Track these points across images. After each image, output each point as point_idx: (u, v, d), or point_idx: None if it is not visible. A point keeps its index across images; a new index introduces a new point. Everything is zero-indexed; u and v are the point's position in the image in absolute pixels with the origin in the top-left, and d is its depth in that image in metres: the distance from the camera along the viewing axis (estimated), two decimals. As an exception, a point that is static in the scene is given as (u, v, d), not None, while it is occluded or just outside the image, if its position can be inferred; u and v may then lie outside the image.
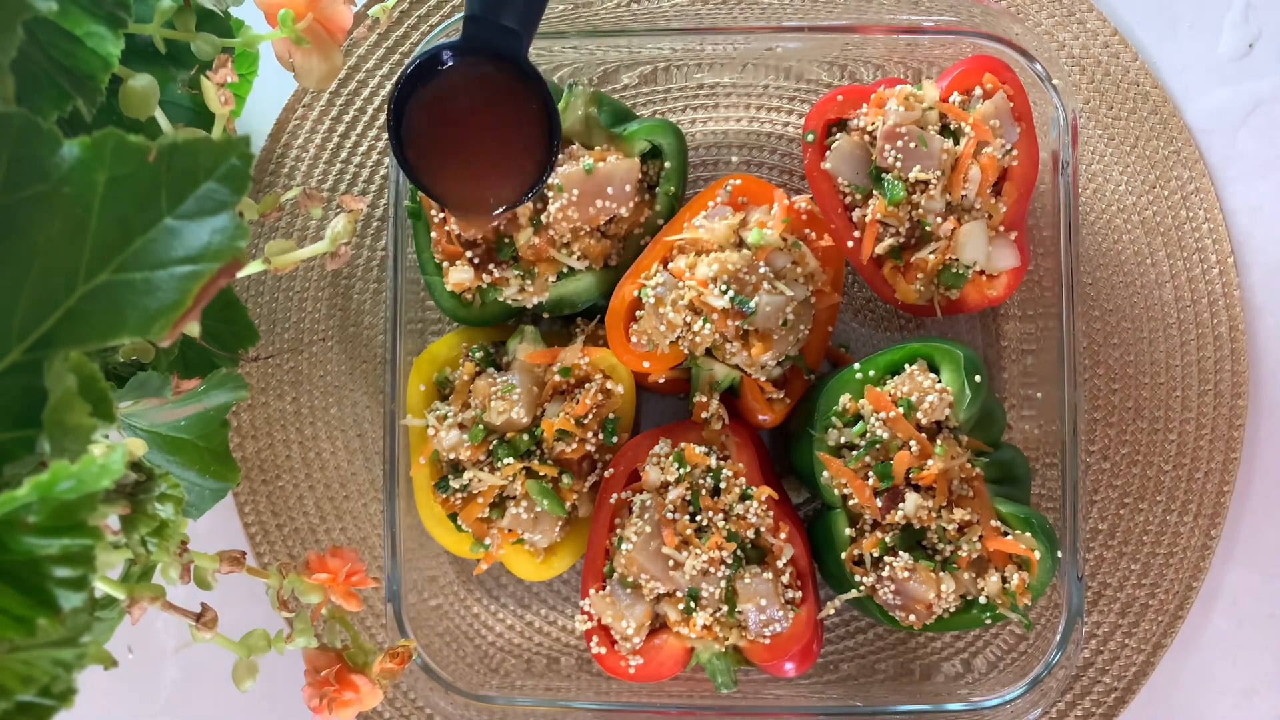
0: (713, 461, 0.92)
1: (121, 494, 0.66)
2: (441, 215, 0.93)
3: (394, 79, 0.75)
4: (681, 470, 0.92)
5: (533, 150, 0.79)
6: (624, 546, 0.91)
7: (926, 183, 0.92)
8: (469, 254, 0.94)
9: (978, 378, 0.90)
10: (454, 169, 0.79)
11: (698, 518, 0.91)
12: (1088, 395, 1.04)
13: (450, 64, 0.75)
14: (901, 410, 0.90)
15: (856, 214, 0.96)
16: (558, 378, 0.94)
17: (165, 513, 0.67)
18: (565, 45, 0.98)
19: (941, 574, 0.89)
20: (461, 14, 0.95)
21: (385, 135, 1.06)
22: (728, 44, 1.00)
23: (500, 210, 0.80)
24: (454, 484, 0.95)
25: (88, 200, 0.55)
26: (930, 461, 0.89)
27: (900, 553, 0.90)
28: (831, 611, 0.94)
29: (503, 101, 0.77)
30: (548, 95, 0.77)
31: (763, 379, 0.94)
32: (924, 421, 0.90)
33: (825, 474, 0.92)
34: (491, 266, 0.94)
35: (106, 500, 0.64)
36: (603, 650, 0.94)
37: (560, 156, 0.92)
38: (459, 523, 0.96)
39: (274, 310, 1.07)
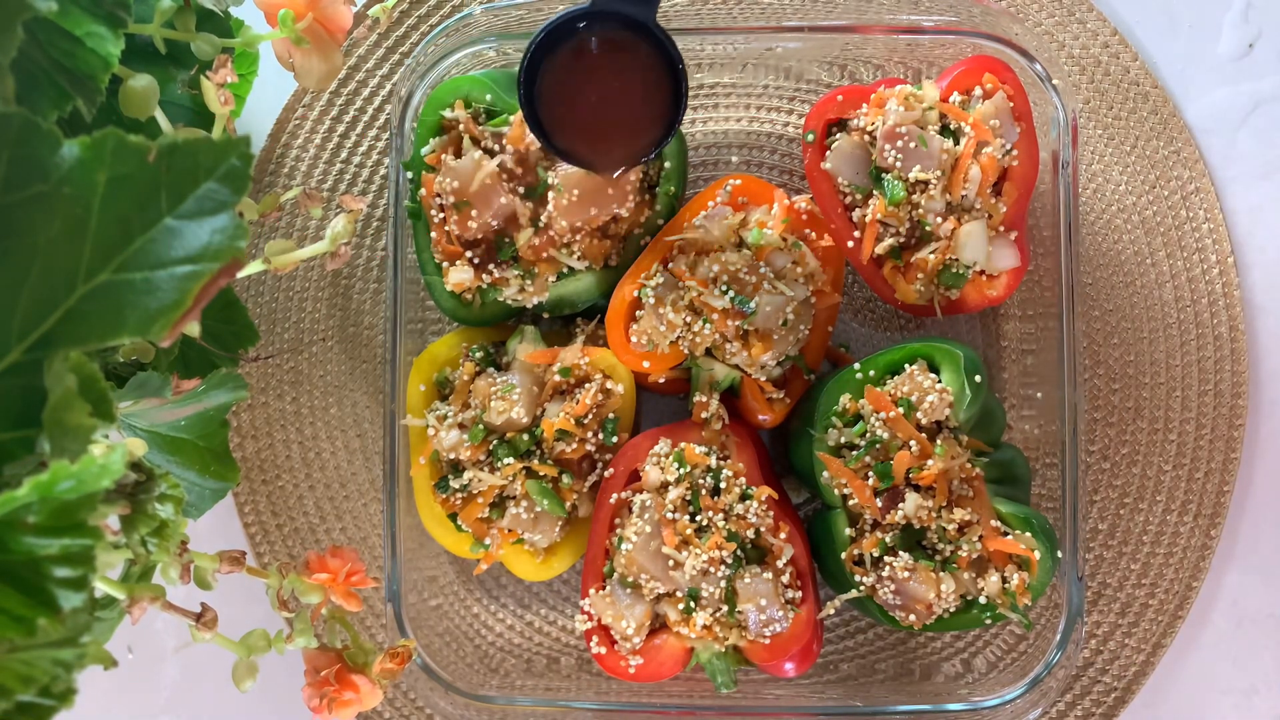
0: (713, 461, 0.92)
1: (121, 494, 0.66)
2: (441, 215, 0.93)
3: (528, 44, 0.79)
4: (681, 470, 0.92)
5: (659, 108, 0.81)
6: (624, 546, 0.91)
7: (926, 183, 0.92)
8: (469, 254, 0.94)
9: (978, 378, 0.90)
10: (582, 129, 0.82)
11: (698, 518, 0.91)
12: (1088, 395, 1.04)
13: (580, 28, 0.79)
14: (901, 410, 0.90)
15: (856, 214, 0.96)
16: (558, 378, 0.94)
17: (165, 513, 0.67)
18: (565, 45, 0.98)
19: (941, 574, 0.89)
20: (462, 14, 0.96)
21: (385, 135, 1.06)
22: (728, 44, 1.00)
23: (626, 168, 0.85)
24: (454, 484, 0.95)
25: (88, 200, 0.55)
26: (930, 461, 0.89)
27: (900, 553, 0.90)
28: (831, 611, 0.94)
29: (630, 63, 0.80)
30: (676, 55, 0.79)
31: (763, 379, 0.94)
32: (924, 421, 0.90)
33: (825, 474, 0.92)
34: (491, 266, 0.94)
35: (106, 500, 0.64)
36: (603, 650, 0.94)
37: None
38: (459, 523, 0.96)
39: (274, 310, 1.07)
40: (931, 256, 0.94)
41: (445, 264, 0.95)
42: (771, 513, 0.92)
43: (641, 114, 0.82)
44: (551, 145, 0.82)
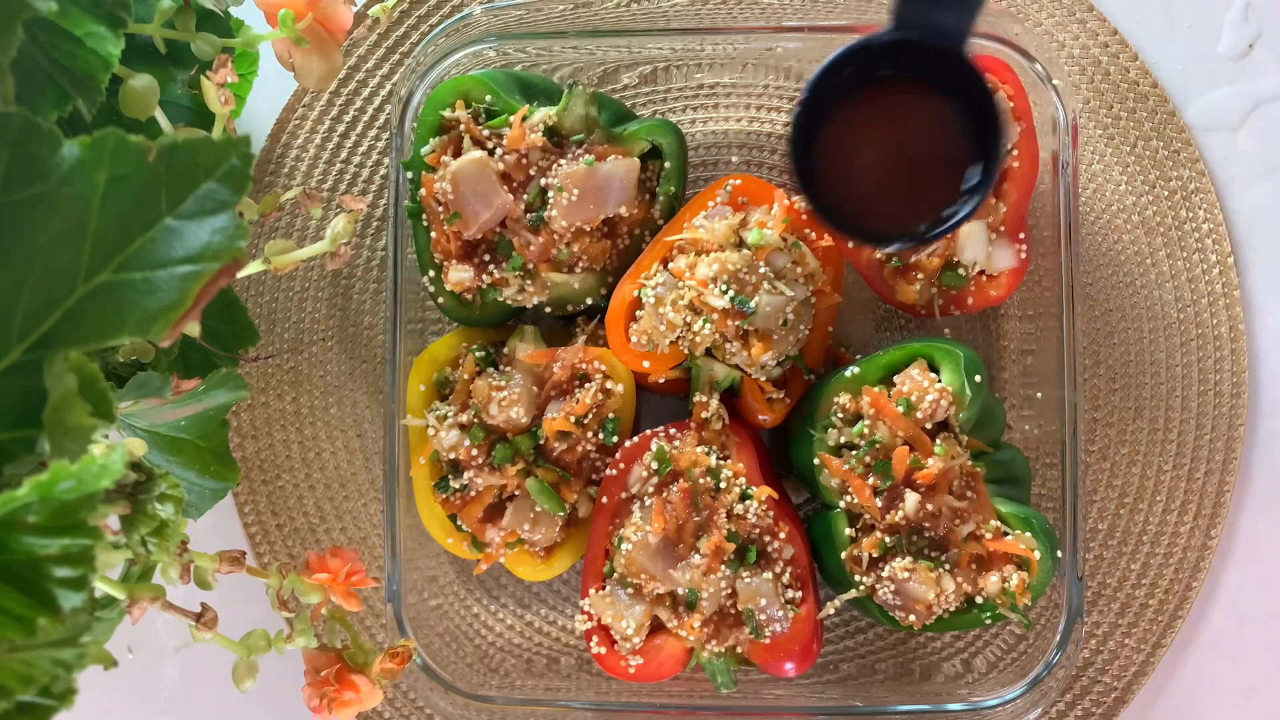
0: (713, 461, 0.92)
1: (121, 494, 0.66)
2: (441, 214, 0.93)
3: (799, 97, 0.63)
4: (680, 469, 0.92)
5: (958, 167, 0.64)
6: (624, 546, 0.91)
7: (927, 183, 0.92)
8: (468, 253, 0.94)
9: (978, 378, 0.90)
10: (859, 194, 0.66)
11: (697, 518, 0.91)
12: (1088, 395, 1.04)
13: (860, 73, 0.62)
14: (901, 410, 0.90)
15: (856, 214, 0.96)
16: (557, 374, 0.94)
17: (165, 513, 0.67)
18: (565, 45, 0.98)
19: (941, 574, 0.89)
20: (462, 14, 0.96)
21: (385, 135, 1.06)
22: (728, 44, 1.00)
23: (908, 243, 0.68)
24: (454, 484, 0.95)
25: (88, 200, 0.55)
26: (930, 461, 0.89)
27: (900, 553, 0.90)
28: (831, 611, 0.94)
29: (926, 111, 0.63)
30: (991, 105, 0.61)
31: (763, 379, 0.94)
32: (924, 421, 0.90)
33: (825, 474, 0.92)
34: (491, 266, 0.94)
35: (106, 500, 0.64)
36: (603, 650, 0.94)
37: (563, 163, 0.92)
38: (459, 523, 0.96)
39: (274, 310, 1.07)
40: (932, 257, 0.94)
41: (445, 264, 0.95)
42: (771, 513, 0.92)
43: (933, 175, 0.64)
44: (837, 224, 0.66)
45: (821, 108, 0.62)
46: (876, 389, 0.91)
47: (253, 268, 0.83)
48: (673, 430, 0.95)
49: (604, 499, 0.94)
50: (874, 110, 0.63)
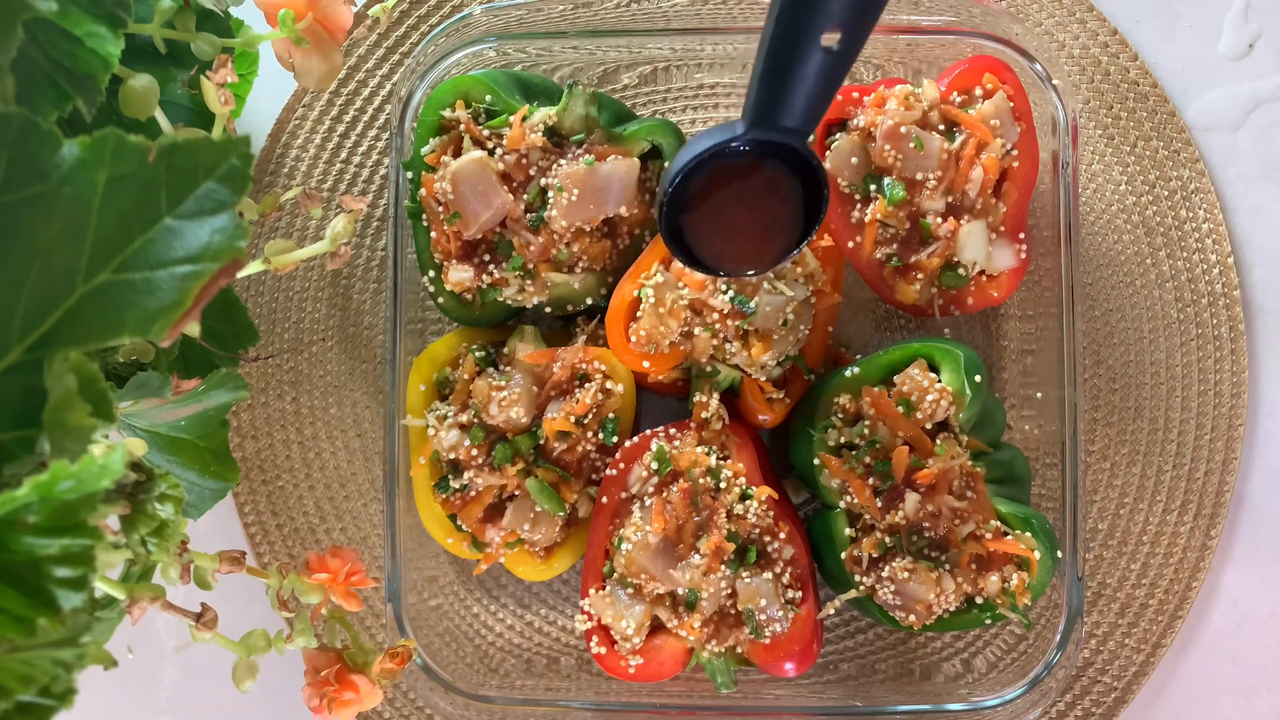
0: (713, 461, 0.92)
1: (121, 494, 0.66)
2: (441, 214, 0.93)
3: (671, 171, 0.78)
4: (680, 470, 0.92)
5: (790, 227, 0.81)
6: (624, 546, 0.91)
7: (927, 183, 0.92)
8: (469, 253, 0.94)
9: (978, 378, 0.90)
10: (715, 241, 0.82)
11: (697, 518, 0.91)
12: (1088, 395, 1.04)
13: (723, 156, 0.77)
14: (901, 410, 0.90)
15: (856, 214, 0.96)
16: (557, 374, 0.94)
17: (165, 513, 0.67)
18: (565, 45, 0.98)
19: (941, 574, 0.89)
20: (462, 14, 0.96)
21: (385, 135, 1.07)
22: (728, 44, 1.00)
23: (751, 271, 0.85)
24: (454, 484, 0.95)
25: (88, 200, 0.55)
26: (930, 461, 0.89)
27: (900, 553, 0.90)
28: (831, 611, 0.94)
29: (770, 176, 0.79)
30: (821, 180, 0.78)
31: (763, 379, 0.94)
32: (924, 422, 0.90)
33: (825, 474, 0.92)
34: (491, 266, 0.94)
35: (106, 500, 0.64)
36: (603, 650, 0.94)
37: (563, 163, 0.92)
38: (459, 523, 0.96)
39: (274, 310, 1.07)
40: (932, 257, 0.94)
41: (445, 264, 0.95)
42: (771, 513, 0.92)
43: (778, 221, 0.81)
44: (693, 260, 0.82)
45: (692, 176, 0.78)
46: (876, 389, 0.91)
47: (253, 268, 0.83)
48: (673, 430, 0.95)
49: (604, 499, 0.95)
50: (734, 175, 0.78)
